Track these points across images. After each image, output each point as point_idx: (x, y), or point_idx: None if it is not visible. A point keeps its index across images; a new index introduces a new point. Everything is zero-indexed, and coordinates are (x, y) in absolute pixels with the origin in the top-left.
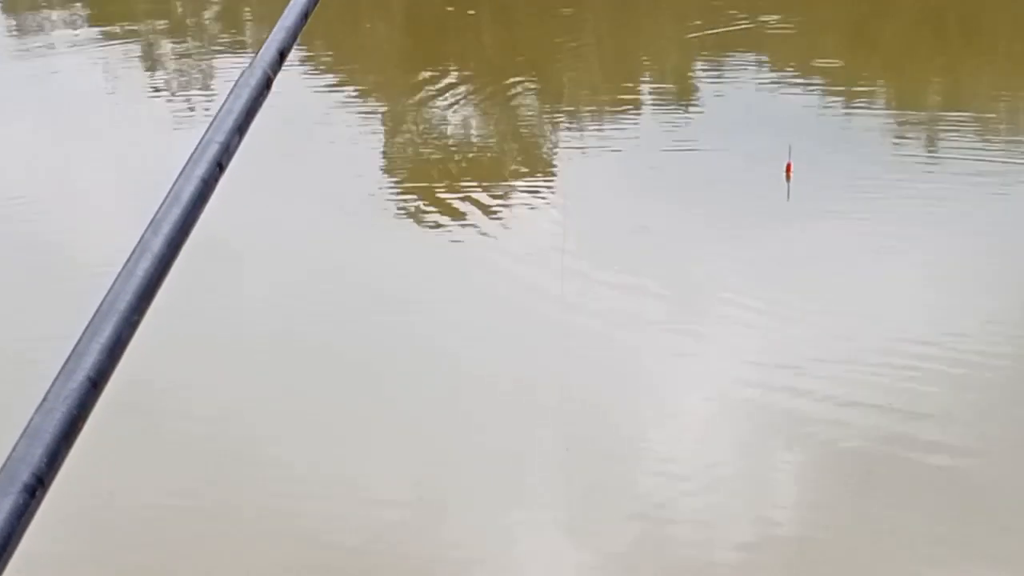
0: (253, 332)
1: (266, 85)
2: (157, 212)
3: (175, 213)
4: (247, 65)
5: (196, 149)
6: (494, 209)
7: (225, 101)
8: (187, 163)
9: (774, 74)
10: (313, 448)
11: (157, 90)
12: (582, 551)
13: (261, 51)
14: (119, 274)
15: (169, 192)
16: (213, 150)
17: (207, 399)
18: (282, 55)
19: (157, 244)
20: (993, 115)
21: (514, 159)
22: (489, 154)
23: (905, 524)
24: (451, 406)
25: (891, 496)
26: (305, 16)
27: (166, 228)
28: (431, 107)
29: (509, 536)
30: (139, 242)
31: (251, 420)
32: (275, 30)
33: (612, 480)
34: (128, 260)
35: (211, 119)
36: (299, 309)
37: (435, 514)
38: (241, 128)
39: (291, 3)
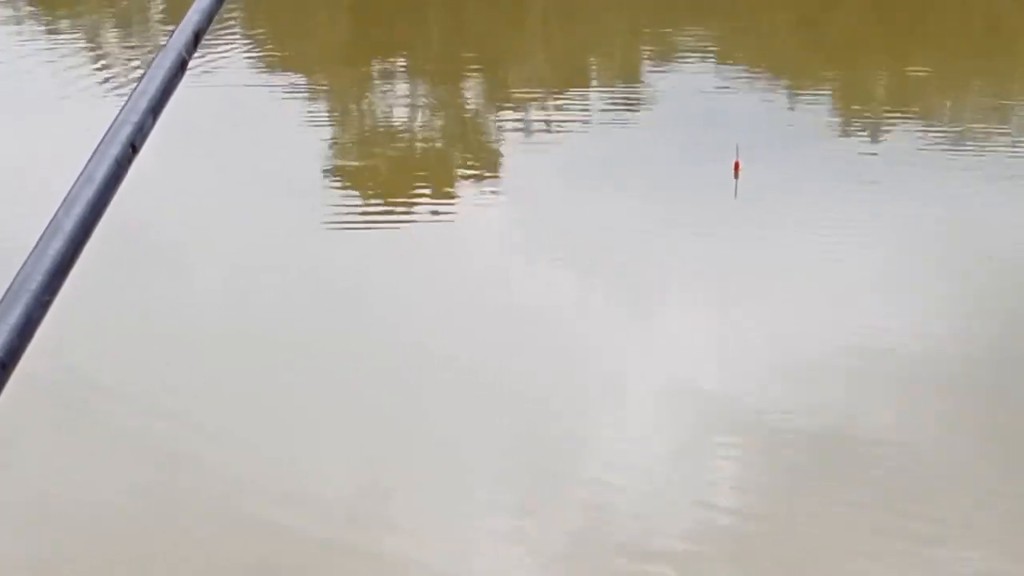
0: (203, 325)
1: (181, 67)
2: (70, 192)
3: (88, 193)
4: (161, 47)
5: (109, 130)
6: (443, 201)
7: (139, 82)
8: (100, 143)
9: (722, 69)
10: (265, 439)
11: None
12: (533, 537)
13: (175, 32)
14: (30, 254)
15: (82, 172)
16: (127, 131)
17: (159, 392)
18: (197, 37)
19: (69, 224)
20: (940, 107)
21: (463, 151)
22: (438, 146)
23: (846, 517)
24: (404, 395)
25: (832, 490)
26: None
27: (78, 208)
28: (380, 99)
29: (461, 523)
30: (51, 221)
31: (202, 412)
32: (190, 12)
33: (559, 466)
34: (40, 240)
35: (124, 100)
36: (248, 301)
37: (389, 501)
38: (155, 109)
39: None
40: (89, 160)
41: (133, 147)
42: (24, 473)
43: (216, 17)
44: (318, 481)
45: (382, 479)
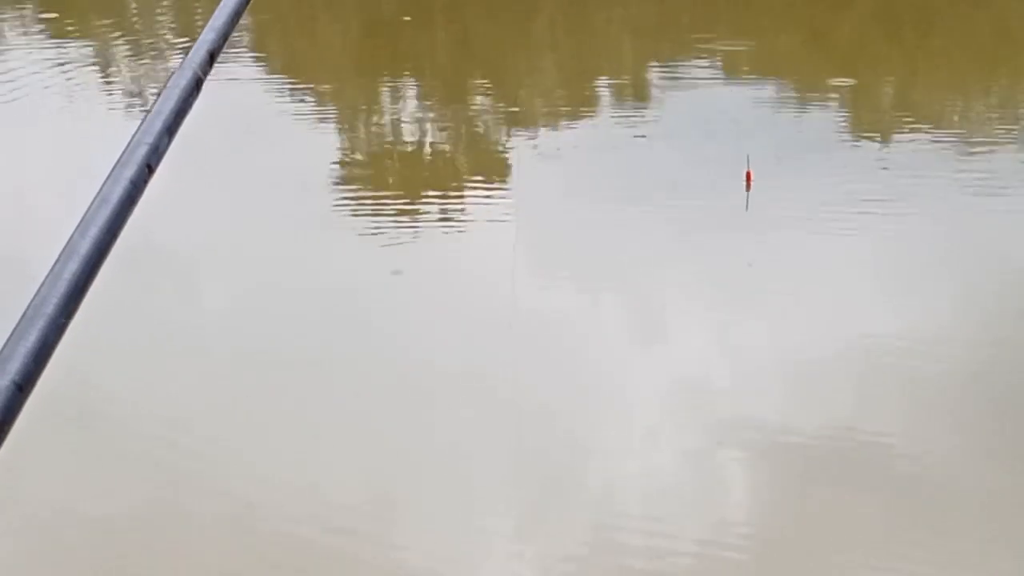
0: (206, 340)
1: (196, 86)
2: (85, 214)
3: (103, 215)
4: (177, 66)
5: (125, 151)
6: (449, 215)
7: (154, 102)
8: (116, 165)
9: (730, 80)
10: (268, 454)
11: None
12: (536, 552)
13: (191, 52)
14: (46, 277)
15: (97, 194)
16: (142, 151)
17: (159, 408)
18: (212, 56)
19: (85, 246)
20: (949, 116)
21: (468, 165)
22: (446, 160)
23: (851, 526)
24: (408, 410)
25: (838, 498)
26: (236, 17)
27: (94, 230)
28: (389, 114)
29: (466, 538)
30: (66, 244)
31: (204, 428)
32: (205, 31)
33: (564, 479)
34: (55, 263)
35: (140, 121)
36: (256, 319)
37: (391, 517)
38: (171, 129)
39: (221, 4)
40: (105, 181)
41: (149, 167)
42: (32, 490)
43: (230, 36)
44: (326, 497)
45: (390, 494)
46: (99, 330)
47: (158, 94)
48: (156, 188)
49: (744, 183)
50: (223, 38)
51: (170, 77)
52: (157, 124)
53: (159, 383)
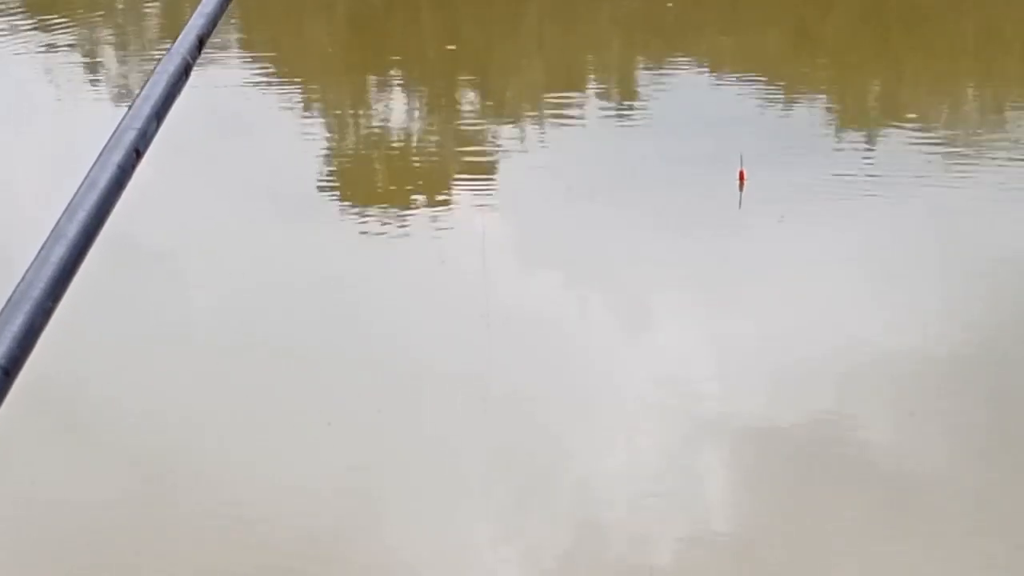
0: (192, 333)
1: (184, 72)
2: (72, 198)
3: (91, 199)
4: (166, 52)
5: (113, 136)
6: (435, 209)
7: (143, 88)
8: (103, 150)
9: (718, 79)
10: (252, 447)
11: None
12: (517, 548)
13: (180, 37)
14: (33, 261)
15: (85, 179)
16: (130, 136)
17: (145, 400)
18: (201, 42)
19: (72, 230)
20: (935, 115)
21: (459, 160)
22: (434, 155)
23: (839, 526)
24: (399, 408)
25: (825, 496)
26: (225, 3)
27: (81, 215)
28: (376, 108)
29: (447, 535)
30: (54, 228)
31: (189, 421)
32: (194, 16)
33: (543, 477)
34: (42, 247)
35: (128, 106)
36: (243, 312)
37: (375, 512)
38: (159, 114)
39: None
40: (92, 166)
41: (137, 152)
42: (14, 483)
43: (219, 22)
44: (311, 494)
45: (375, 492)
46: (85, 320)
47: (146, 79)
48: (140, 178)
49: (738, 182)
50: (212, 23)
51: (158, 62)
52: (145, 109)
53: (145, 375)
